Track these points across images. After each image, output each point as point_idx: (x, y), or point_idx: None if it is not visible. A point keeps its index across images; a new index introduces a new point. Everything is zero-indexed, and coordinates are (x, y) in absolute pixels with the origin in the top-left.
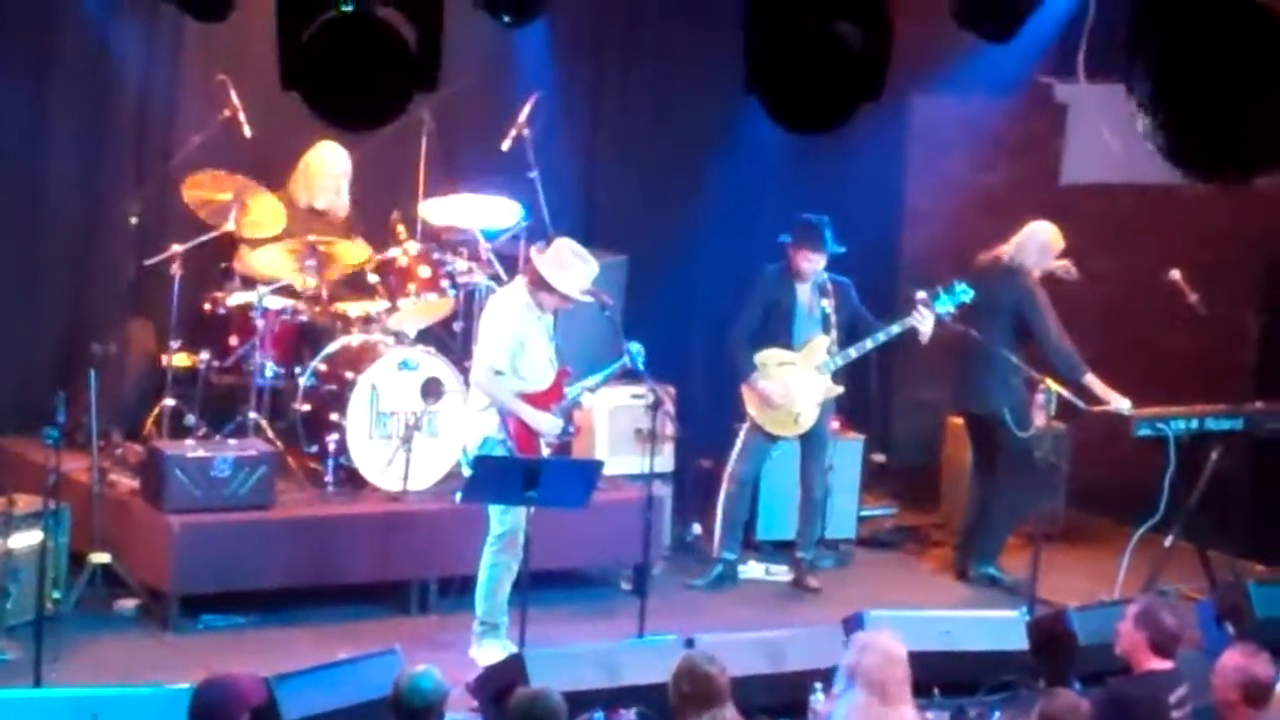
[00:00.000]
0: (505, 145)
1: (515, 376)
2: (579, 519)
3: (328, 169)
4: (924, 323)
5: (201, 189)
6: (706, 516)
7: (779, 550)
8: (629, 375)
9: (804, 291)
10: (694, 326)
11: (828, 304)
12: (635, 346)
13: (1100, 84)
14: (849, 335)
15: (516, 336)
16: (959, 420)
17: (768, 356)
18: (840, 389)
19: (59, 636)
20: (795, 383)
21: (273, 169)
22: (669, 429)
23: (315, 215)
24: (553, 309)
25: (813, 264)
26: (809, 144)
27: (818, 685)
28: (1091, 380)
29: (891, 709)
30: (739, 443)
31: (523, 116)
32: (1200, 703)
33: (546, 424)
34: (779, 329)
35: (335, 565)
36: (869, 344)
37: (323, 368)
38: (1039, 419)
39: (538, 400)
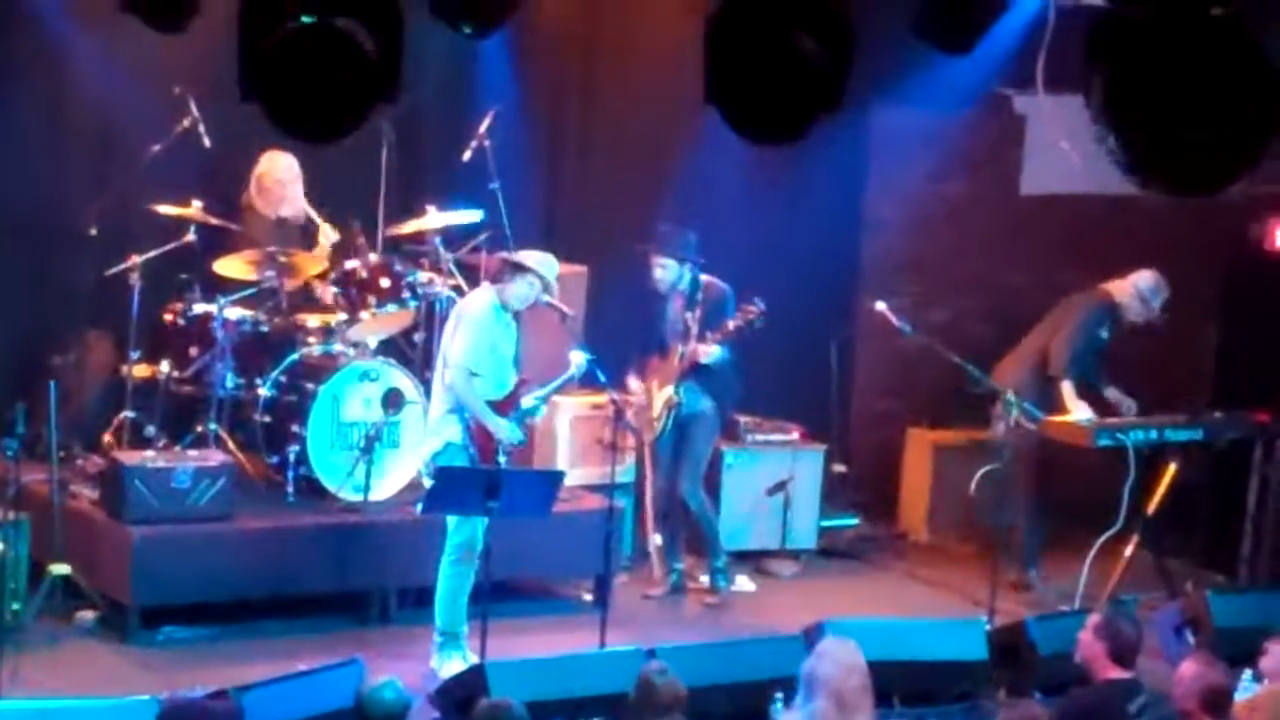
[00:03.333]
0: (466, 156)
1: (480, 381)
2: (540, 529)
3: (281, 177)
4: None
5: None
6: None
7: (741, 560)
8: (591, 385)
9: (674, 304)
10: (653, 343)
11: (690, 317)
12: (581, 357)
13: (1059, 95)
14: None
15: (489, 340)
16: (920, 431)
17: (648, 362)
18: (677, 402)
19: (18, 648)
20: (656, 389)
21: (232, 180)
22: (630, 440)
23: (278, 225)
24: (520, 305)
25: (661, 270)
26: (769, 155)
27: (778, 695)
28: (1066, 387)
29: (850, 718)
30: (644, 463)
31: (483, 128)
32: (1160, 712)
33: (506, 432)
34: (657, 338)
35: (296, 576)
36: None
37: (283, 379)
38: (998, 429)
39: (496, 408)
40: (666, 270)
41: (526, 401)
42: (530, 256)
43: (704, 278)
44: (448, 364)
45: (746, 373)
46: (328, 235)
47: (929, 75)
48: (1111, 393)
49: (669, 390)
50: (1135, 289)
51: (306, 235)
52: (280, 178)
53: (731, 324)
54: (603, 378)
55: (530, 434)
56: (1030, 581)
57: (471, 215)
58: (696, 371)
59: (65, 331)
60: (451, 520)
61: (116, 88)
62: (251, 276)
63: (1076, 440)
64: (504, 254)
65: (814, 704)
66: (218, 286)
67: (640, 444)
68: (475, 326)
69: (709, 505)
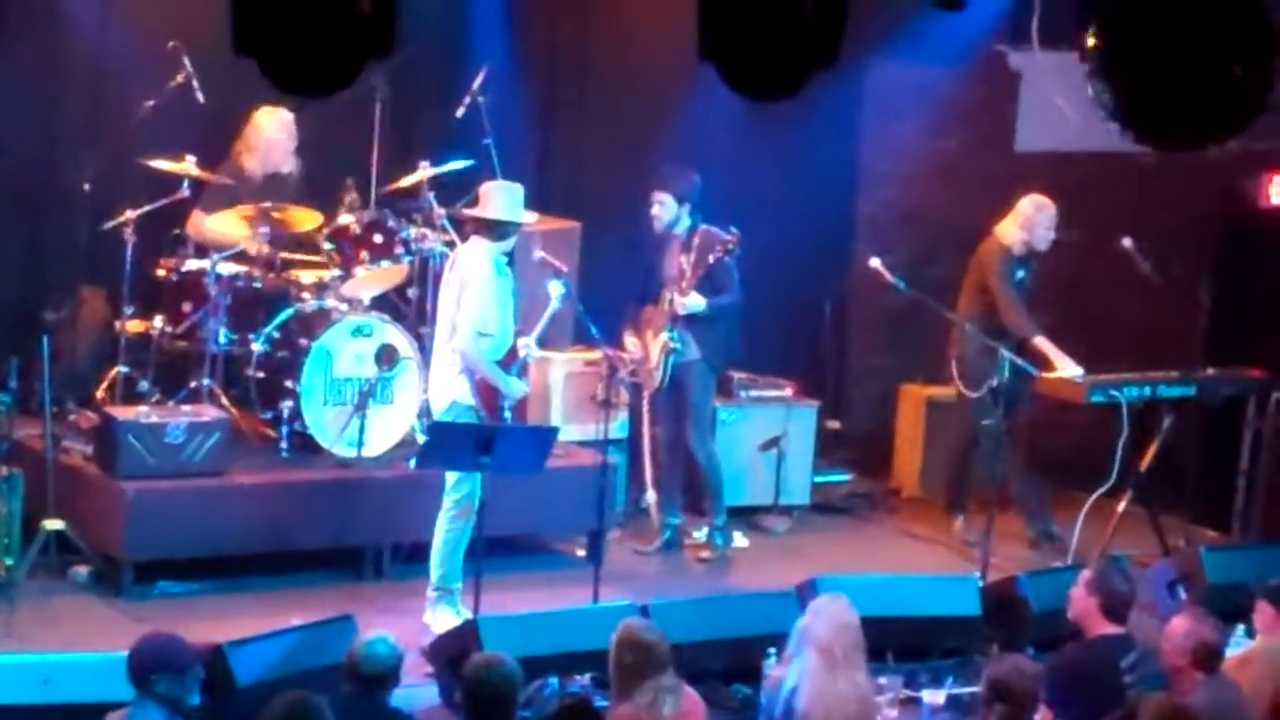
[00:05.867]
0: (459, 112)
1: (488, 341)
2: (533, 485)
3: (274, 134)
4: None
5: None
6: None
7: (734, 516)
8: (584, 341)
9: (672, 250)
10: (649, 293)
11: (685, 260)
12: (559, 288)
13: (1053, 51)
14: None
15: (495, 298)
16: (913, 387)
17: (642, 314)
18: (673, 347)
19: (12, 603)
20: (651, 338)
21: (225, 135)
22: (624, 396)
23: (266, 181)
24: (510, 249)
25: (658, 206)
26: (764, 111)
27: (771, 650)
28: (1042, 342)
29: (841, 674)
30: (640, 418)
31: (477, 84)
32: (1152, 668)
33: (516, 387)
34: (653, 287)
35: (290, 531)
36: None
37: (277, 334)
38: (993, 383)
39: (500, 363)
40: (664, 208)
41: (522, 350)
42: (500, 204)
43: (702, 225)
44: (455, 329)
45: (740, 328)
46: None
47: (924, 31)
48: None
49: (664, 336)
50: (1013, 216)
51: (297, 191)
52: (270, 135)
53: (711, 257)
54: (595, 332)
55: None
56: (1051, 535)
57: (463, 164)
58: (685, 320)
59: (58, 286)
60: (450, 476)
61: (110, 42)
62: (244, 232)
63: (1070, 396)
64: (473, 212)
65: (804, 658)
66: (209, 244)
67: (638, 399)
68: (481, 288)
69: (717, 460)
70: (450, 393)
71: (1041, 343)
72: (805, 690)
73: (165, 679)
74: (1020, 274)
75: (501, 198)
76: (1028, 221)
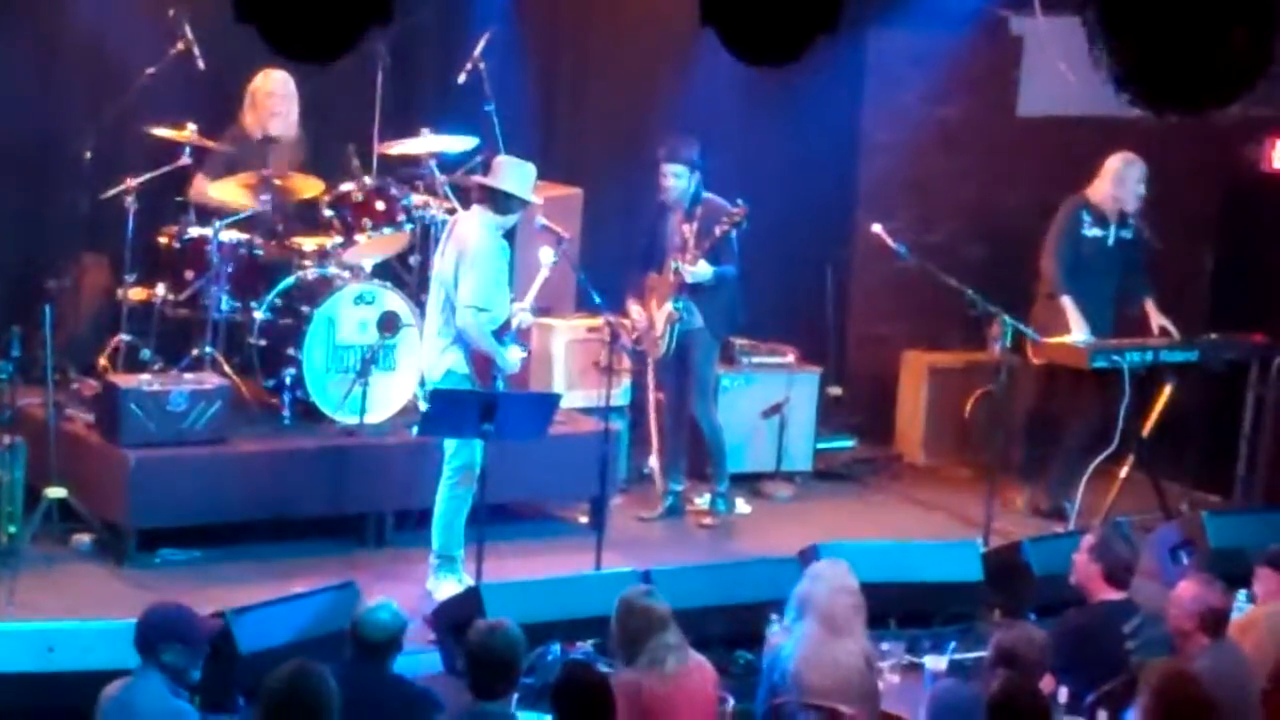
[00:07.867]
0: (461, 78)
1: (487, 315)
2: (536, 452)
3: (274, 92)
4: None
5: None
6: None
7: (736, 482)
8: (587, 309)
9: (674, 218)
10: (652, 261)
11: (688, 229)
12: (550, 254)
13: (1056, 16)
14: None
15: (495, 271)
16: (915, 353)
17: (645, 281)
18: (679, 316)
19: (15, 571)
20: (656, 307)
21: (226, 102)
22: (626, 362)
23: (267, 144)
24: (512, 224)
25: (670, 178)
26: (765, 76)
27: (774, 616)
28: (1066, 303)
29: (839, 640)
30: (645, 385)
31: (478, 50)
32: (1154, 633)
33: (511, 362)
34: (657, 255)
35: (292, 499)
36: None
37: (279, 302)
38: (994, 351)
39: (496, 334)
40: (679, 179)
41: (516, 319)
42: (514, 179)
43: (705, 194)
44: (455, 304)
45: (744, 298)
46: None
47: None
48: (1150, 307)
49: (669, 305)
50: (1103, 174)
51: (302, 157)
52: (271, 90)
53: (718, 229)
54: (597, 299)
55: (526, 358)
56: (1062, 510)
57: (466, 142)
58: (690, 289)
59: (60, 255)
60: (450, 444)
61: (111, 10)
62: (245, 199)
63: (1072, 362)
64: (484, 180)
65: (803, 624)
66: (213, 209)
67: (642, 366)
68: (482, 261)
69: (720, 428)
70: (445, 362)
71: (1066, 304)
72: (803, 656)
73: (174, 649)
74: (1096, 233)
75: (513, 172)
76: (1119, 177)
